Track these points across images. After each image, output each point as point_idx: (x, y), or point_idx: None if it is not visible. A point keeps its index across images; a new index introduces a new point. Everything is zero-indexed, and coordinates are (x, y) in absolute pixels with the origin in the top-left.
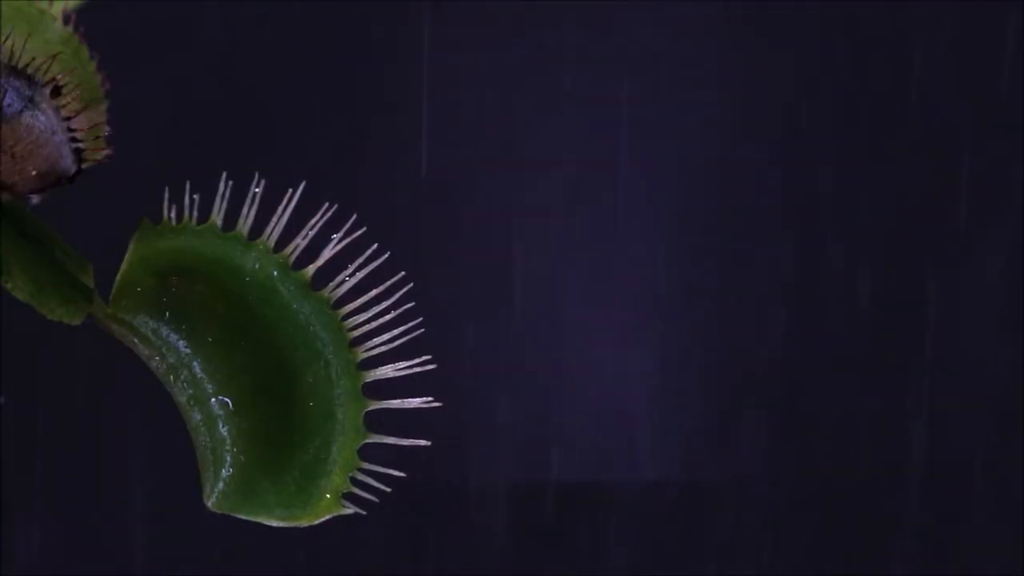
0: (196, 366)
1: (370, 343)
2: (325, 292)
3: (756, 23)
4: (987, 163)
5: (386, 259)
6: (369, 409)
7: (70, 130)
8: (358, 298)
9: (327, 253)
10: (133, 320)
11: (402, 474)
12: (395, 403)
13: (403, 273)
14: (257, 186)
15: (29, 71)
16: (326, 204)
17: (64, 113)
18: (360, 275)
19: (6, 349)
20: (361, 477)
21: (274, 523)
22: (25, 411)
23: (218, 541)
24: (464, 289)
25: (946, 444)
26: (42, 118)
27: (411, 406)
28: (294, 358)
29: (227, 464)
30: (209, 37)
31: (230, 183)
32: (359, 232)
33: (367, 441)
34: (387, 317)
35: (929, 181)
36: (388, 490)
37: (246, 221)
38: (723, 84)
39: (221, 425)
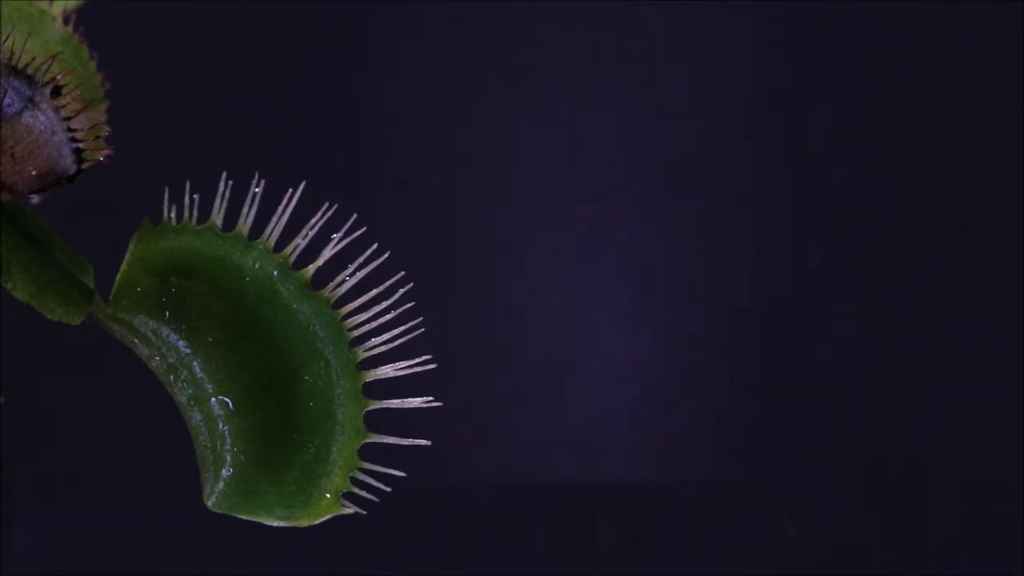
0: (196, 366)
1: (370, 343)
2: (325, 292)
3: (751, 22)
4: (983, 160)
5: (386, 259)
6: (369, 409)
7: (70, 130)
8: (358, 298)
9: (327, 253)
10: (133, 320)
11: (402, 474)
12: (395, 403)
13: (403, 273)
14: (257, 186)
15: (29, 71)
16: (326, 204)
17: (64, 113)
18: (360, 275)
19: (6, 349)
20: (361, 477)
21: (274, 523)
22: (25, 411)
23: (218, 541)
24: (463, 289)
25: (943, 444)
26: (42, 118)
27: (411, 406)
28: (294, 358)
29: (227, 464)
30: (209, 37)
31: (230, 183)
32: (359, 232)
33: (367, 441)
34: (387, 317)
35: (927, 179)
36: (388, 490)
37: (246, 221)
38: (718, 82)
39: (221, 425)
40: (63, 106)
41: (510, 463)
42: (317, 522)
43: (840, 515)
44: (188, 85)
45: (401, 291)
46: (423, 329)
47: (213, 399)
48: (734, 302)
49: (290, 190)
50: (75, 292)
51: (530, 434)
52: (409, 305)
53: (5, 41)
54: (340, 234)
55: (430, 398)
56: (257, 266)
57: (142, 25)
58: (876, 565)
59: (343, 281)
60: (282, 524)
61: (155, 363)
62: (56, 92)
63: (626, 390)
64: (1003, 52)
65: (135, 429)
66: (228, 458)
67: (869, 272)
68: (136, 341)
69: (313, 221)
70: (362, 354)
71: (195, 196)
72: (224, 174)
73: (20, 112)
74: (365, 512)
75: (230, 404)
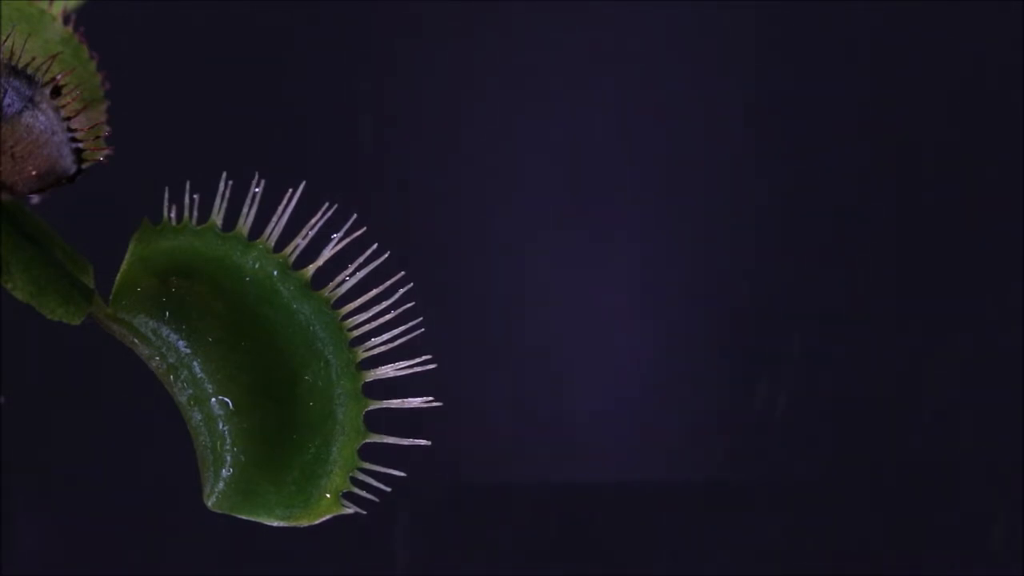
0: (196, 366)
1: (370, 343)
2: (325, 292)
3: (751, 22)
4: (983, 160)
5: (386, 259)
6: (369, 409)
7: (70, 130)
8: (358, 298)
9: (327, 253)
10: (133, 320)
11: (402, 474)
12: (395, 403)
13: (403, 273)
14: (257, 186)
15: (29, 71)
16: (326, 204)
17: (64, 113)
18: (360, 275)
19: (6, 349)
20: (361, 477)
21: (274, 523)
22: (25, 411)
23: (218, 541)
24: (463, 289)
25: (943, 444)
26: (42, 118)
27: (411, 406)
28: (294, 358)
29: (227, 464)
30: (209, 37)
31: (230, 183)
32: (359, 232)
33: (367, 441)
34: (387, 317)
35: (927, 179)
36: (388, 489)
37: (246, 221)
38: (718, 82)
39: (221, 425)
40: (63, 106)
41: (510, 463)
42: (317, 522)
43: (840, 515)
44: (188, 85)
45: (401, 291)
46: (423, 329)
47: (213, 399)
48: (734, 302)
49: (290, 190)
50: (75, 292)
51: (530, 434)
52: (409, 305)
53: (5, 41)
54: (340, 234)
55: (430, 398)
56: (257, 266)
57: (142, 25)
58: (876, 565)
59: (343, 281)
60: (282, 524)
61: (155, 363)
62: (56, 92)
63: (626, 390)
64: (1003, 52)
65: (135, 429)
66: (228, 458)
67: (869, 272)
68: (136, 341)
69: (313, 221)
70: (362, 354)
71: (195, 196)
72: (224, 174)
73: (20, 112)
74: (365, 512)
75: (230, 404)
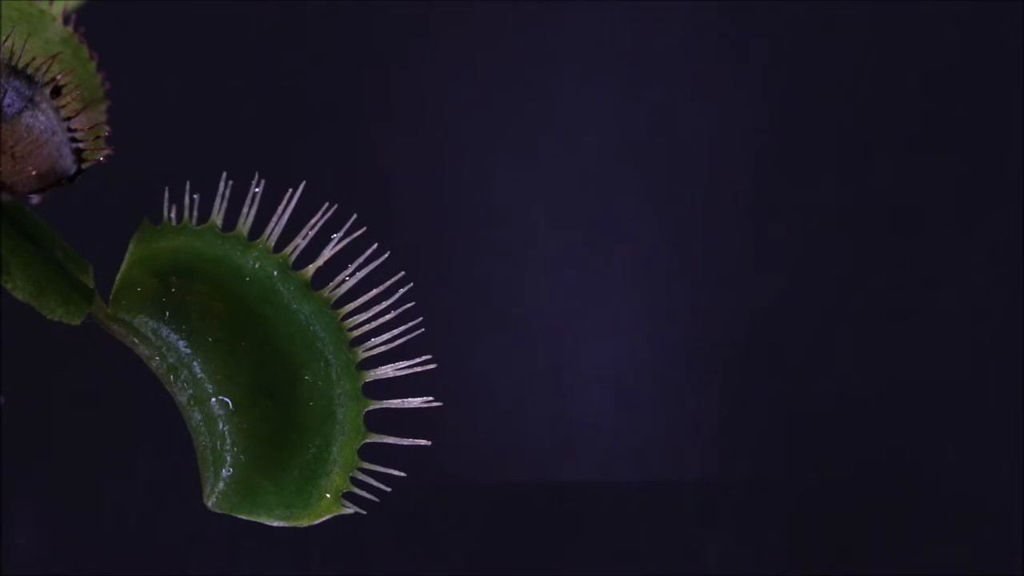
0: (196, 366)
1: (370, 343)
2: (325, 292)
3: (752, 23)
4: (983, 160)
5: (386, 259)
6: (369, 409)
7: (70, 130)
8: (358, 298)
9: (327, 253)
10: (133, 320)
11: (402, 474)
12: (395, 403)
13: (403, 273)
14: (257, 186)
15: (29, 71)
16: (326, 204)
17: (64, 113)
18: (360, 275)
19: (6, 349)
20: (361, 477)
21: (274, 523)
22: (25, 411)
23: (218, 541)
24: (463, 289)
25: (944, 443)
26: (42, 118)
27: (411, 406)
28: (294, 358)
29: (227, 464)
30: (209, 37)
31: (230, 183)
32: (359, 232)
33: (367, 441)
34: (387, 317)
35: (927, 179)
36: (388, 489)
37: (246, 221)
38: (719, 82)
39: (221, 425)
40: (63, 106)
41: (510, 463)
42: (317, 522)
43: (839, 515)
44: (188, 85)
45: (401, 291)
46: (423, 329)
47: (213, 399)
48: (734, 302)
49: (290, 190)
50: (75, 292)
51: (530, 434)
52: (409, 305)
53: (5, 41)
54: (340, 234)
55: (430, 398)
56: (257, 266)
57: (142, 25)
58: (876, 564)
59: (343, 281)
60: (282, 524)
61: (155, 363)
62: (56, 92)
63: (626, 390)
64: (1003, 52)
65: (135, 429)
66: (228, 458)
67: (869, 272)
68: (136, 341)
69: (313, 221)
70: (362, 354)
71: (195, 196)
72: (224, 174)
73: (20, 112)
74: (365, 512)
75: (230, 404)
